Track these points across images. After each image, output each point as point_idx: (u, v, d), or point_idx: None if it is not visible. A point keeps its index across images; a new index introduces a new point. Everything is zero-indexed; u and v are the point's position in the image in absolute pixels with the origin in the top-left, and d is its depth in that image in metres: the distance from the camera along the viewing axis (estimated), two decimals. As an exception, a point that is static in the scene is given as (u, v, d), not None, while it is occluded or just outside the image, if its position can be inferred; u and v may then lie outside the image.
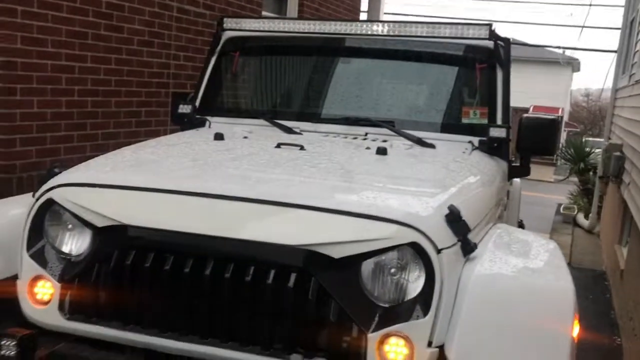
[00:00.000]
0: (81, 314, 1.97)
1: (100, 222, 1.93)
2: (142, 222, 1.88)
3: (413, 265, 1.67)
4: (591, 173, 9.46)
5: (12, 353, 1.86)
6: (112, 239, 1.92)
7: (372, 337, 1.65)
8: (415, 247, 1.65)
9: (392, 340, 1.65)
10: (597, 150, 9.60)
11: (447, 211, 1.75)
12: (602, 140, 9.23)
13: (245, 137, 2.69)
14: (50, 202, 2.03)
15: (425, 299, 1.65)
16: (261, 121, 2.96)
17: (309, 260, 1.70)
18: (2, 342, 1.88)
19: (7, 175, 3.58)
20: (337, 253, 1.68)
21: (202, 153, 2.42)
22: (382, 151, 2.39)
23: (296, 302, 1.70)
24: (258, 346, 1.74)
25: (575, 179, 10.42)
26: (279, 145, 2.44)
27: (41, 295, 2.02)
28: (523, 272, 1.81)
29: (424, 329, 1.64)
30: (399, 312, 1.67)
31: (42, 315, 2.00)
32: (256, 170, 2.13)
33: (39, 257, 2.03)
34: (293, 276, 1.71)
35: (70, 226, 2.02)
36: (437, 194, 1.97)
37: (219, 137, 2.61)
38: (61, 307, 1.98)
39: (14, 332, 1.90)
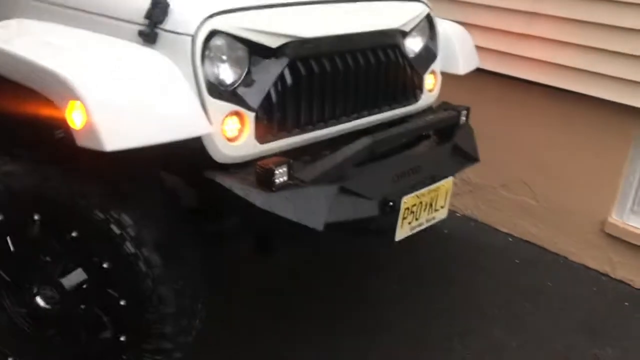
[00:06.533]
0: (270, 135, 2.09)
1: (275, 42, 2.05)
2: (315, 33, 2.14)
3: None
4: None
5: (285, 178, 1.93)
6: (287, 55, 2.07)
7: (425, 76, 2.72)
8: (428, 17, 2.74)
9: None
10: None
11: None
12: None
13: None
14: (212, 34, 1.90)
15: None
16: None
17: (399, 36, 2.56)
18: (276, 172, 1.90)
19: None
20: (408, 28, 2.60)
21: None
22: None
23: (397, 66, 2.54)
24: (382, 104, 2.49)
25: None
26: None
27: (232, 132, 1.98)
28: None
29: None
30: None
31: (238, 149, 2.00)
32: None
33: (218, 94, 1.93)
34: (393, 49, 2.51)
35: (225, 56, 1.97)
36: None
37: None
38: (256, 135, 2.03)
39: (272, 162, 1.93)
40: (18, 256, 2.08)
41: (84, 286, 2.01)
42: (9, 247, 2.08)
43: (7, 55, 1.86)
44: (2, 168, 1.96)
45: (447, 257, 3.37)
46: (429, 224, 2.37)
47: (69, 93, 1.66)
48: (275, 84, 2.05)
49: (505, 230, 3.69)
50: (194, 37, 1.85)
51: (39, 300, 2.09)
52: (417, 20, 2.63)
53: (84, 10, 2.01)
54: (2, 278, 2.13)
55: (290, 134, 2.15)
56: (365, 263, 3.24)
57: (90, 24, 1.99)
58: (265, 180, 1.90)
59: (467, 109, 2.72)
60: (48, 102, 1.75)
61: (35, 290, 2.08)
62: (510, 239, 3.64)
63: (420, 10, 2.66)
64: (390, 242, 2.22)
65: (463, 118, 2.70)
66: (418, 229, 2.32)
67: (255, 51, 2.01)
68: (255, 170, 1.93)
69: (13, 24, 2.11)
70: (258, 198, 1.88)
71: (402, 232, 2.24)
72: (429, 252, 3.34)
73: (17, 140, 2.05)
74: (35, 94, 1.79)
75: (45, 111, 1.80)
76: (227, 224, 2.27)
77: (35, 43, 1.92)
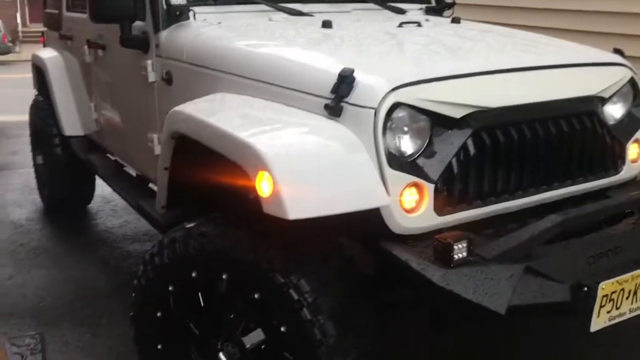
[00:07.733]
0: (450, 207, 2.02)
1: (458, 113, 2.00)
2: (500, 102, 2.07)
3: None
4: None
5: (464, 254, 1.84)
6: (471, 125, 2.02)
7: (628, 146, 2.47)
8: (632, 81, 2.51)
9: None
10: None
11: None
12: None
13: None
14: (394, 106, 1.91)
15: None
16: (260, 6, 2.87)
17: (596, 103, 2.35)
18: (455, 247, 1.82)
19: None
20: (607, 94, 2.39)
21: (400, 40, 2.52)
22: (456, 20, 3.00)
23: (594, 135, 2.33)
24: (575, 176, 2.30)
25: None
26: (401, 25, 2.70)
27: (410, 204, 1.95)
28: None
29: None
30: None
31: (415, 221, 1.95)
32: (480, 43, 2.57)
33: (398, 165, 1.92)
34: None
35: (407, 127, 1.96)
36: None
37: (327, 24, 2.58)
38: (435, 206, 1.98)
39: (451, 236, 1.85)
40: (207, 312, 2.22)
41: (263, 347, 2.08)
42: (200, 302, 2.22)
43: (209, 126, 2.05)
44: (199, 229, 2.13)
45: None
46: (633, 314, 2.08)
47: (260, 164, 1.77)
48: (457, 155, 1.99)
49: None
50: (376, 110, 1.88)
51: (222, 356, 2.19)
52: (619, 85, 2.42)
53: (277, 85, 2.15)
54: (192, 331, 2.28)
55: (471, 206, 2.06)
56: (550, 349, 2.93)
57: (282, 97, 2.12)
58: (443, 256, 1.82)
59: (681, 184, 2.40)
60: (240, 169, 1.88)
61: (219, 346, 2.19)
62: None
63: (622, 74, 2.45)
64: (585, 331, 1.98)
65: (676, 194, 2.37)
66: (619, 319, 2.04)
67: (437, 122, 1.99)
68: (433, 244, 1.87)
69: (217, 97, 2.33)
70: (435, 274, 1.80)
71: (598, 322, 1.98)
72: (628, 346, 2.93)
73: (213, 203, 2.22)
74: (229, 162, 1.94)
75: (238, 178, 1.93)
76: (401, 295, 2.22)
77: (233, 116, 2.10)
